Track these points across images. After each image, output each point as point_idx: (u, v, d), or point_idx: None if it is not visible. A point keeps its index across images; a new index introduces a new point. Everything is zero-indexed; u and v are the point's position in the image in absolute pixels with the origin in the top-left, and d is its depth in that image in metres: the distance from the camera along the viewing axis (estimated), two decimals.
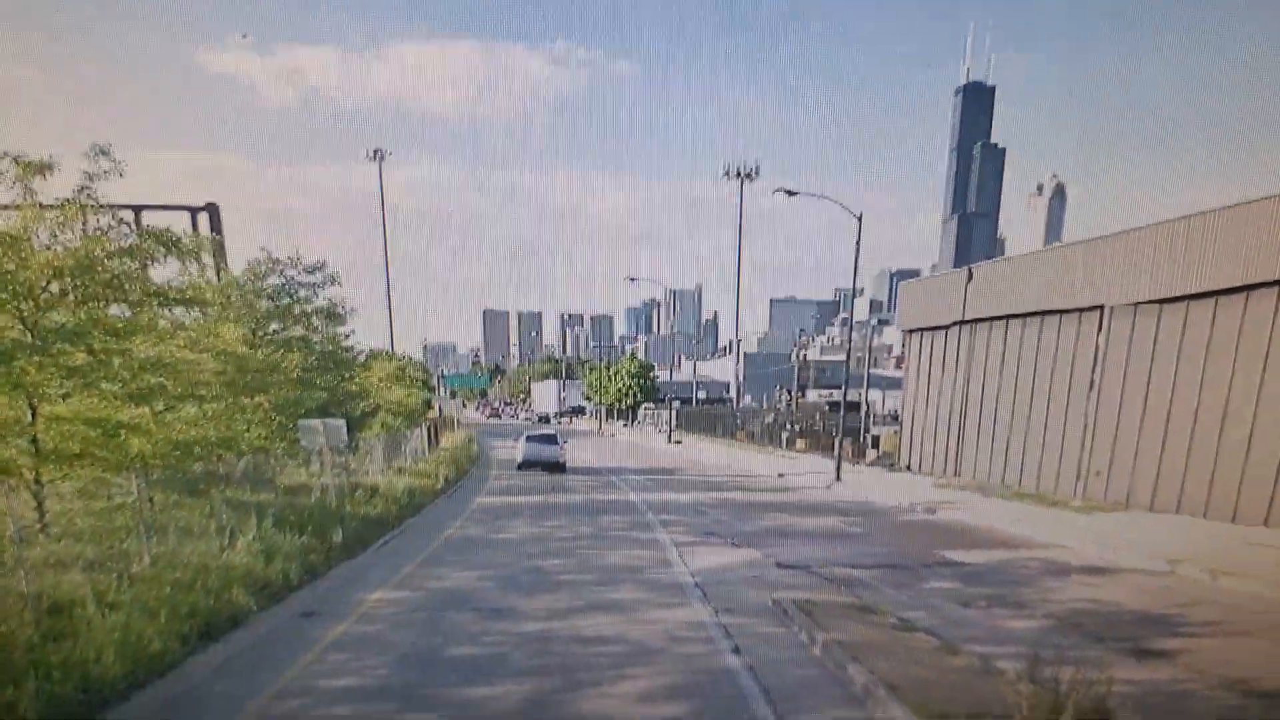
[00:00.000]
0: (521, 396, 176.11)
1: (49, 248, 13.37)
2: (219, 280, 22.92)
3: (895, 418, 49.15)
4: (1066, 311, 27.59)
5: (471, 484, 34.38)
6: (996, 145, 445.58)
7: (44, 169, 13.03)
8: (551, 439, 41.02)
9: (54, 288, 13.31)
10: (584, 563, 16.77)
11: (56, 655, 8.29)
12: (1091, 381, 26.58)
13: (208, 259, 19.39)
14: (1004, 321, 31.00)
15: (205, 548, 13.05)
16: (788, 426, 55.41)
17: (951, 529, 21.97)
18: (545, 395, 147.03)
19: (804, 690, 8.86)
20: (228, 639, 10.71)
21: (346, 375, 31.30)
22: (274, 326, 26.47)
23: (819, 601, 12.58)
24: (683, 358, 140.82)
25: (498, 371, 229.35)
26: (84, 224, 13.83)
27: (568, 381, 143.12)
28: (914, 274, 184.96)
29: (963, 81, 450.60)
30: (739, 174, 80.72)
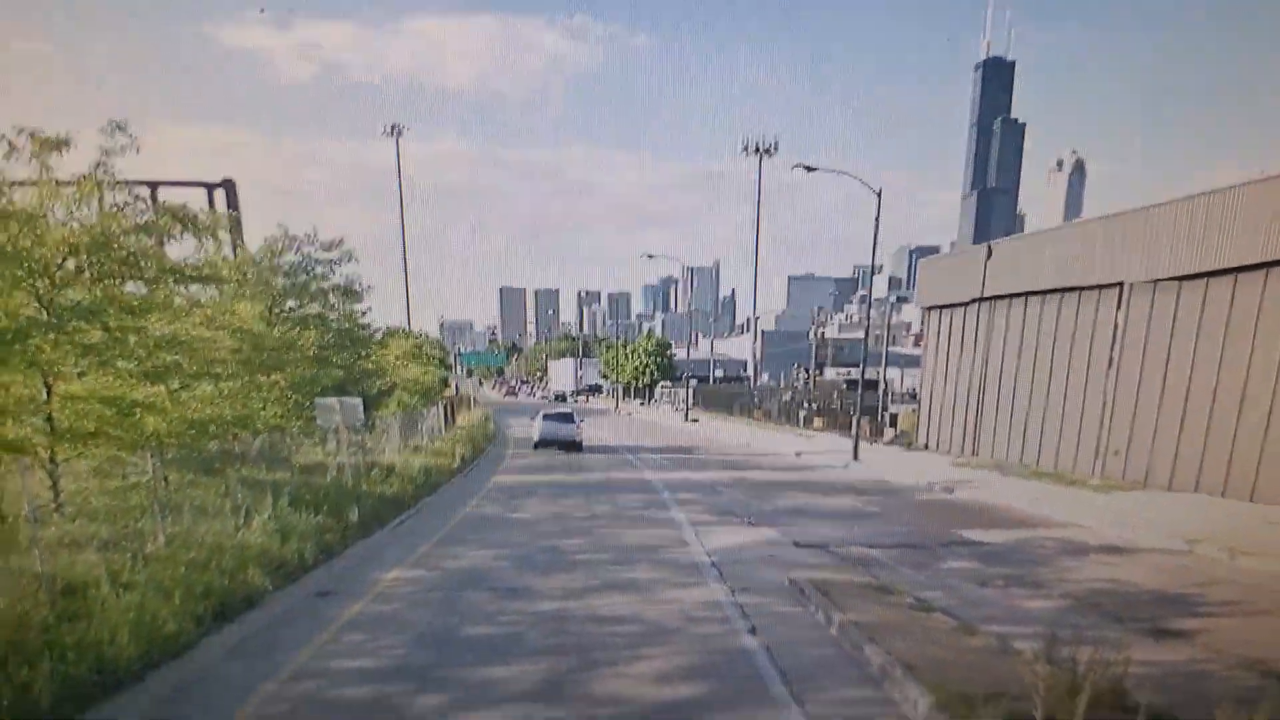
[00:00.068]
0: (538, 374, 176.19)
1: (65, 224, 13.34)
2: (235, 257, 22.87)
3: (913, 396, 49.04)
4: (1086, 288, 27.40)
5: (488, 462, 34.44)
6: (1016, 121, 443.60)
7: (60, 145, 12.96)
8: (568, 417, 41.04)
9: (70, 265, 13.30)
10: (600, 542, 16.74)
11: (71, 636, 8.28)
12: (1110, 359, 26.41)
13: (224, 235, 19.34)
14: (1023, 298, 30.79)
15: (220, 527, 13.08)
16: (805, 405, 55.34)
17: (969, 508, 21.90)
18: (562, 373, 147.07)
19: (821, 670, 8.82)
20: (243, 619, 10.70)
21: (363, 353, 31.34)
22: (290, 304, 26.47)
23: (836, 581, 12.56)
24: (700, 335, 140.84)
25: (514, 349, 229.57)
26: (100, 200, 13.78)
27: (584, 360, 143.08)
28: (933, 251, 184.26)
29: (983, 56, 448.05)
30: (758, 150, 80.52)
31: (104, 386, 13.36)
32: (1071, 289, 28.07)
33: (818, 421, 51.70)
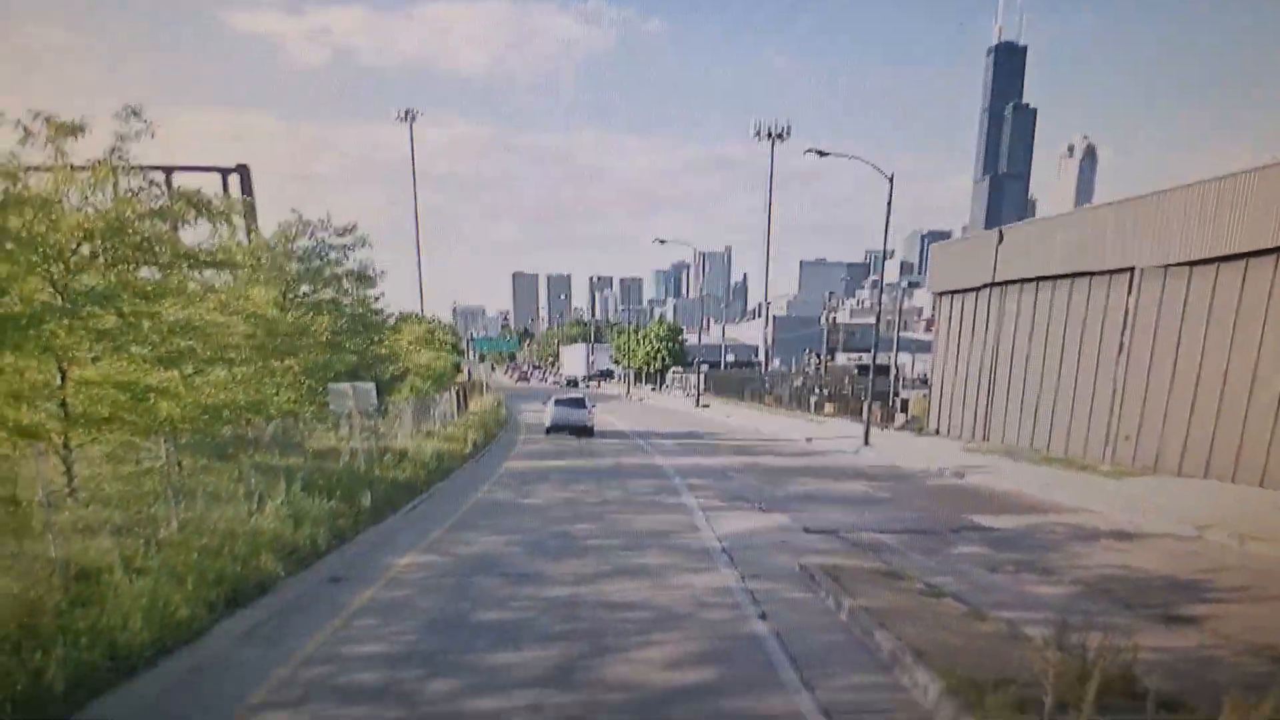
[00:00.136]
0: (550, 360, 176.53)
1: (80, 210, 13.38)
2: (249, 242, 22.94)
3: (924, 381, 49.11)
4: (1096, 274, 27.42)
5: (500, 448, 34.51)
6: (1028, 106, 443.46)
7: (75, 130, 12.97)
8: (579, 403, 41.07)
9: (84, 250, 13.33)
10: (611, 527, 16.76)
11: (84, 621, 8.35)
12: (1121, 344, 26.43)
13: (238, 221, 19.35)
14: (1034, 283, 30.84)
15: (233, 512, 13.16)
16: (816, 390, 55.32)
17: (980, 493, 21.94)
18: (573, 359, 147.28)
19: (831, 656, 8.85)
20: (255, 605, 10.79)
21: (376, 338, 31.43)
22: (304, 289, 26.54)
23: (846, 567, 12.59)
24: (711, 321, 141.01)
25: (526, 335, 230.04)
26: (115, 185, 13.82)
27: (596, 345, 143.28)
28: (945, 235, 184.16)
29: (994, 41, 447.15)
30: (769, 135, 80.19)
31: (118, 372, 13.42)
32: (1082, 274, 28.08)
33: (829, 407, 51.70)
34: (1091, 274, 27.68)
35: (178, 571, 10.13)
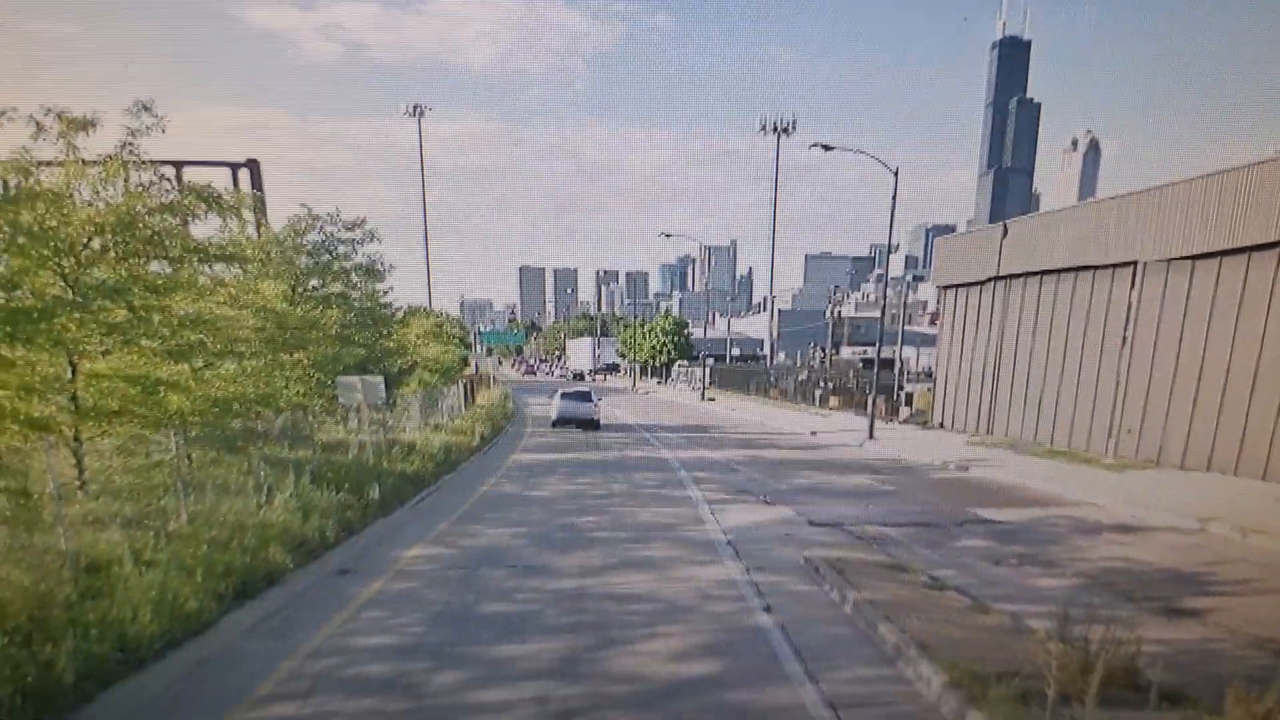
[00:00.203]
0: (557, 353, 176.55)
1: (91, 204, 13.42)
2: (259, 236, 23.00)
3: (929, 375, 49.06)
4: (1100, 267, 27.48)
5: (507, 441, 34.59)
6: (1032, 100, 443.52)
7: (87, 125, 13.01)
8: (586, 396, 41.19)
9: (95, 244, 13.33)
10: (617, 520, 16.83)
11: (94, 613, 8.39)
12: (1124, 338, 26.49)
13: (248, 215, 19.41)
14: (1038, 277, 30.90)
15: (243, 505, 13.24)
16: (821, 384, 55.32)
17: (983, 487, 21.95)
18: (580, 352, 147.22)
19: (835, 649, 8.91)
20: (263, 597, 10.84)
21: (385, 332, 31.38)
22: (313, 283, 26.50)
23: (851, 560, 12.64)
24: (717, 314, 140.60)
25: (533, 328, 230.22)
26: (125, 180, 13.86)
27: (602, 339, 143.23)
28: (950, 229, 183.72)
29: (999, 36, 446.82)
30: (775, 129, 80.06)
31: (128, 365, 13.50)
32: (1086, 268, 28.15)
33: (834, 400, 51.75)
34: (1095, 268, 27.73)
35: (187, 564, 10.18)
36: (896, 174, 32.58)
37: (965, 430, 35.51)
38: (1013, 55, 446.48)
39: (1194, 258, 23.65)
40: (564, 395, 41.02)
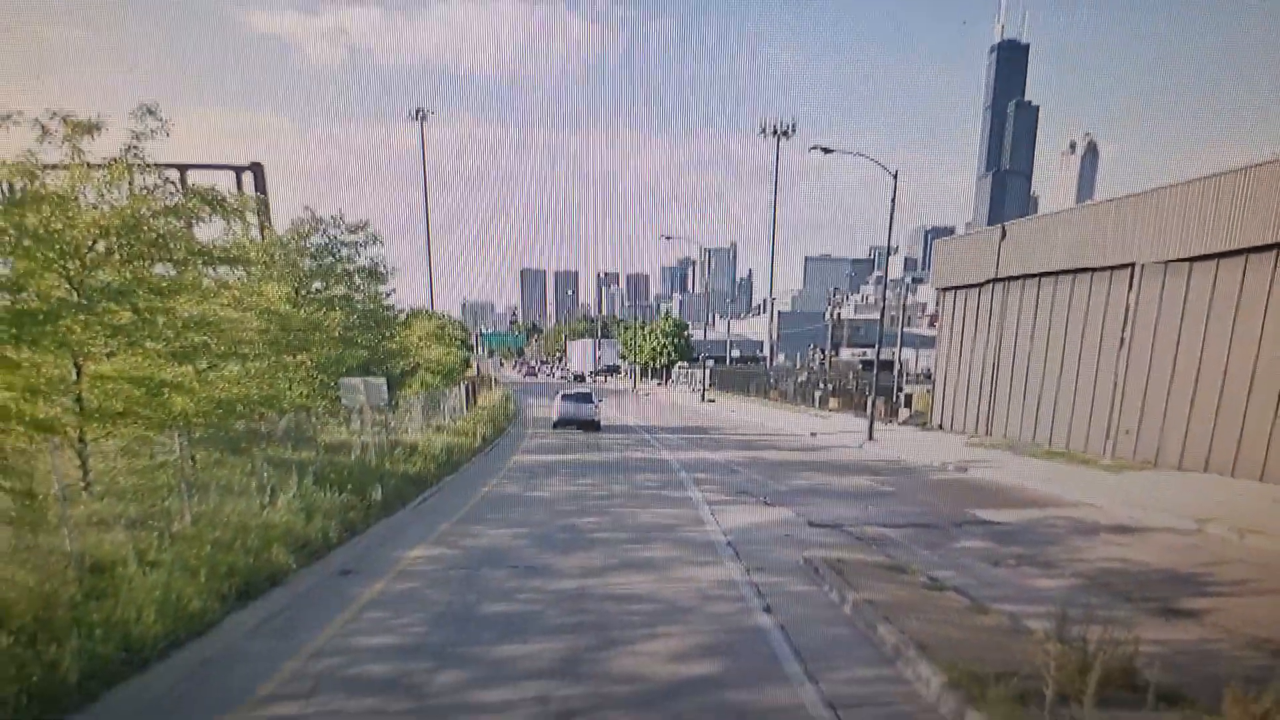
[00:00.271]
0: (557, 355, 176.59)
1: (96, 207, 13.47)
2: (263, 239, 23.07)
3: (928, 376, 49.17)
4: (1098, 269, 27.60)
5: (508, 442, 34.59)
6: (1030, 103, 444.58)
7: (92, 129, 13.06)
8: (586, 398, 41.22)
9: (100, 247, 13.39)
10: (618, 521, 16.85)
11: (98, 613, 8.45)
12: (1122, 340, 26.59)
13: (252, 218, 19.45)
14: (1036, 279, 31.03)
15: (246, 506, 13.27)
16: (821, 385, 55.41)
17: (982, 488, 22.01)
18: (581, 354, 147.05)
19: (835, 649, 8.95)
20: (267, 597, 10.88)
21: (387, 334, 31.46)
22: (317, 285, 26.59)
23: (850, 560, 12.69)
24: (717, 316, 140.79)
25: (534, 330, 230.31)
26: (130, 183, 13.91)
27: (603, 340, 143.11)
28: (949, 232, 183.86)
29: (997, 39, 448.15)
30: (775, 132, 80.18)
31: (133, 367, 13.51)
32: (1084, 270, 28.26)
33: (833, 402, 51.84)
34: (1093, 270, 27.83)
35: (190, 565, 10.23)
36: (896, 176, 32.67)
37: (964, 431, 35.58)
38: (1011, 58, 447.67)
39: (1191, 260, 23.74)
40: (565, 397, 41.09)
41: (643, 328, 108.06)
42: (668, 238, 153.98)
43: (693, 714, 7.33)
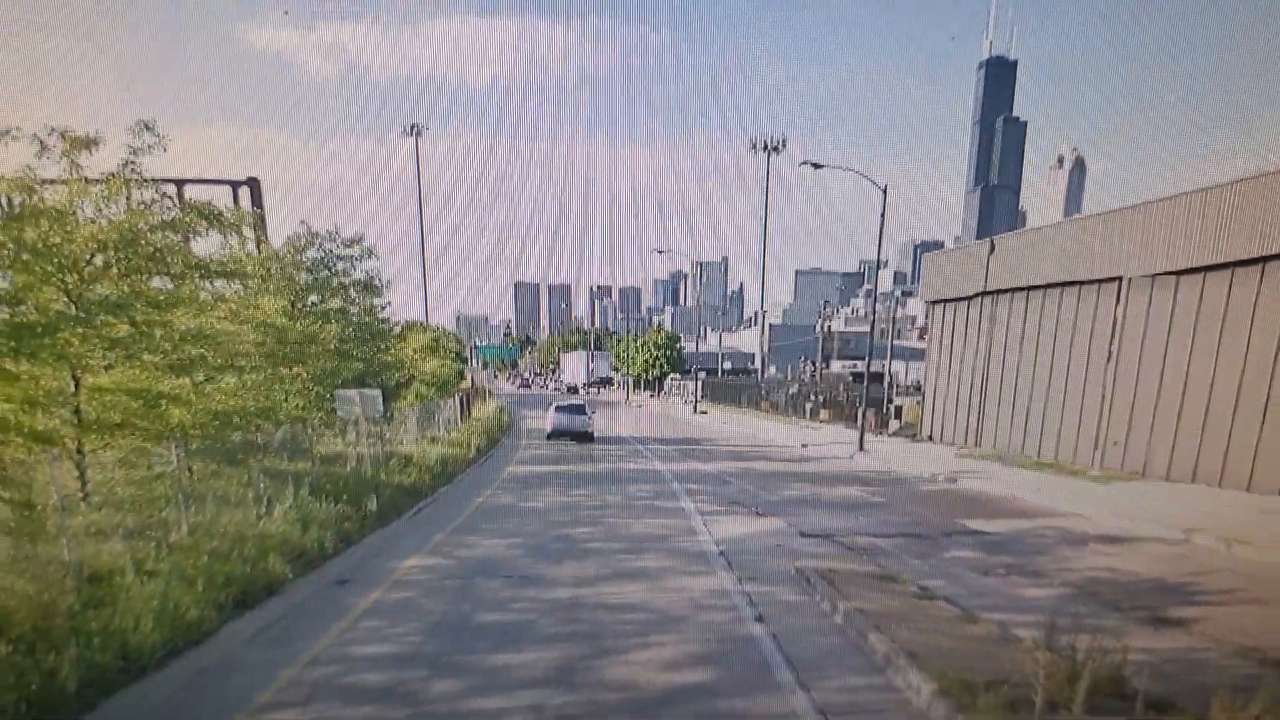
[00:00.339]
0: (551, 367, 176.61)
1: (94, 221, 13.56)
2: (259, 253, 23.17)
3: (918, 388, 49.36)
4: (1085, 283, 27.80)
5: (502, 453, 34.63)
6: (1018, 119, 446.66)
7: (89, 144, 13.16)
8: (580, 409, 41.29)
9: (98, 261, 13.46)
10: (611, 531, 16.92)
11: (96, 623, 8.50)
12: (1110, 352, 26.75)
13: (249, 232, 19.57)
14: (1025, 293, 31.21)
15: (243, 516, 13.33)
16: (811, 397, 55.44)
17: (972, 498, 22.11)
18: (574, 366, 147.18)
19: (826, 658, 8.99)
20: (263, 607, 10.92)
21: (382, 346, 31.48)
22: (312, 299, 26.66)
23: (841, 570, 12.73)
24: (708, 329, 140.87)
25: (528, 343, 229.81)
26: (128, 198, 14.01)
27: (596, 353, 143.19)
28: (938, 245, 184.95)
29: (985, 56, 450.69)
30: (766, 147, 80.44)
31: (130, 379, 13.58)
32: (1072, 283, 28.45)
33: (824, 413, 51.91)
34: (1081, 283, 28.02)
35: (188, 574, 10.28)
36: (885, 191, 32.92)
37: (954, 443, 35.69)
38: (999, 74, 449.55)
39: (1178, 273, 23.92)
40: (558, 408, 41.18)
41: (635, 340, 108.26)
42: (660, 251, 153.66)
43: None
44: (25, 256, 12.01)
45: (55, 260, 12.48)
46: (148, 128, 13.70)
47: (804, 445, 38.08)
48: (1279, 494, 20.35)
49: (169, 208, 14.94)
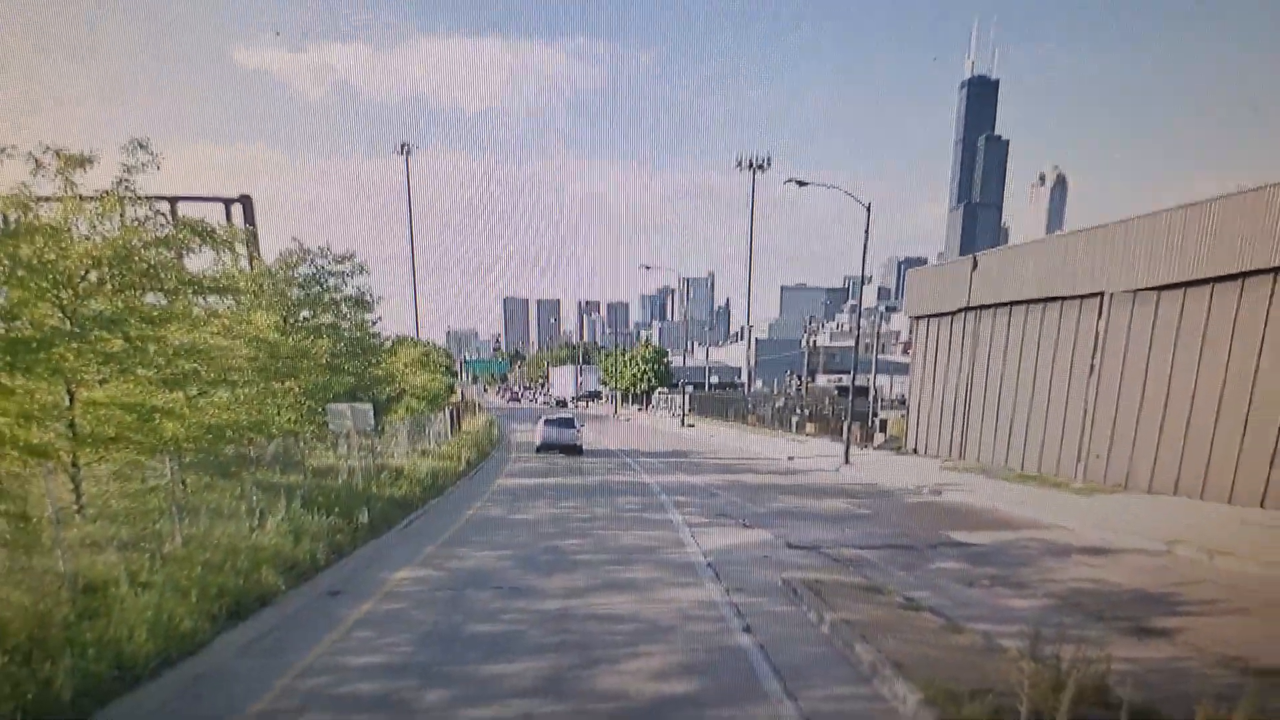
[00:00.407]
0: (540, 381, 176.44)
1: (88, 238, 13.66)
2: (252, 269, 23.28)
3: (903, 402, 49.51)
4: (1068, 298, 27.95)
5: (492, 466, 34.65)
6: (1000, 137, 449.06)
7: (84, 162, 13.29)
8: (569, 423, 41.38)
9: (92, 277, 13.56)
10: (600, 543, 16.98)
11: (91, 633, 8.57)
12: (1092, 366, 26.92)
13: (241, 249, 19.68)
14: (1007, 308, 31.34)
15: (235, 529, 13.40)
16: (798, 411, 55.59)
17: (957, 510, 22.22)
18: (563, 380, 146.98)
19: (813, 667, 9.07)
20: (256, 617, 10.98)
21: (373, 361, 31.55)
22: (304, 314, 26.77)
23: (828, 581, 12.82)
24: (696, 343, 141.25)
25: (517, 357, 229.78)
26: (122, 215, 14.11)
27: (584, 367, 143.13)
28: (921, 262, 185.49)
29: (967, 75, 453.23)
30: (751, 165, 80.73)
31: (124, 393, 13.71)
32: (1054, 299, 28.61)
33: (810, 427, 52.03)
34: (1063, 299, 28.19)
35: (181, 585, 10.34)
36: (869, 209, 33.10)
37: (938, 455, 35.79)
38: (981, 94, 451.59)
39: (1159, 289, 24.11)
40: (548, 421, 41.24)
41: (624, 354, 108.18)
42: (647, 267, 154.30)
43: None
44: (21, 272, 12.15)
45: (50, 276, 12.60)
46: (141, 146, 13.85)
47: (790, 458, 38.14)
48: (1260, 506, 20.50)
49: (162, 224, 15.07)
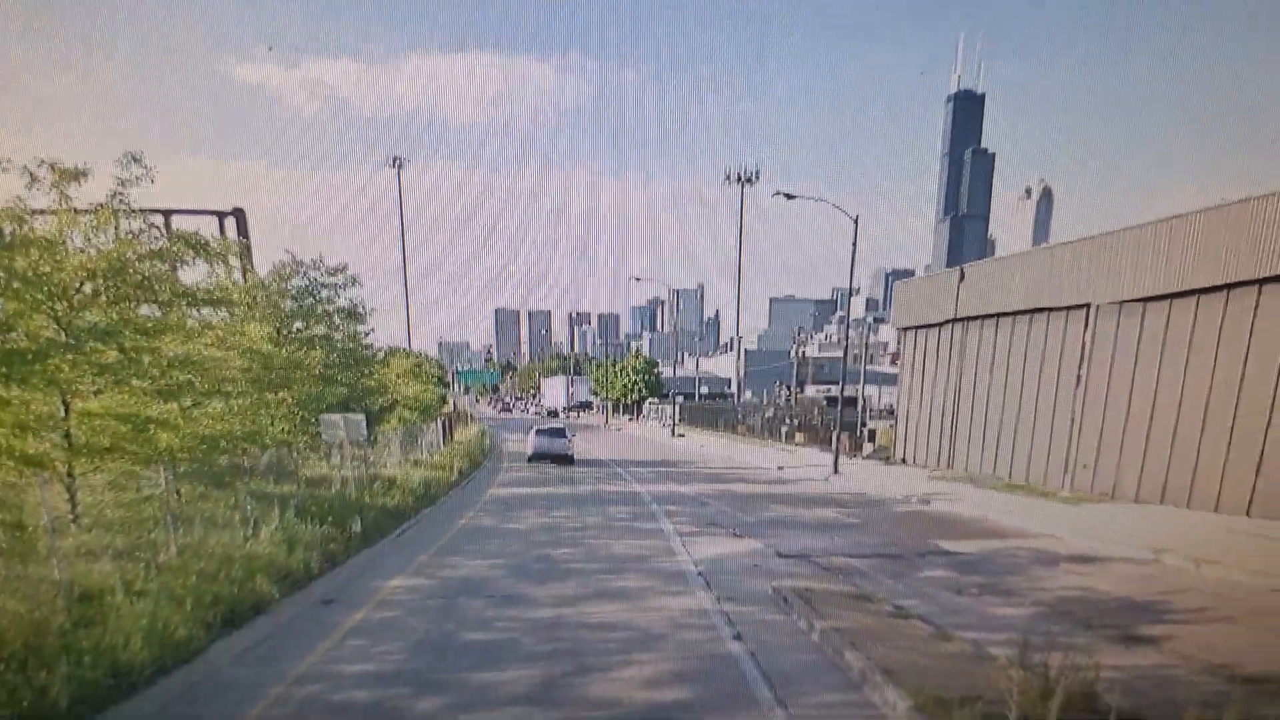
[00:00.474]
0: (532, 392, 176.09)
1: (83, 251, 13.77)
2: (245, 281, 23.33)
3: (891, 412, 49.58)
4: (1054, 309, 28.10)
5: (484, 475, 34.64)
6: (986, 150, 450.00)
7: (79, 175, 13.39)
8: (560, 433, 41.37)
9: (87, 289, 13.65)
10: (591, 552, 17.04)
11: (87, 641, 8.60)
12: (1078, 377, 27.06)
13: (234, 261, 19.68)
14: (994, 319, 31.49)
15: (230, 538, 13.41)
16: (787, 421, 55.76)
17: (945, 519, 22.29)
18: (554, 391, 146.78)
19: (803, 675, 9.11)
20: (250, 626, 11.01)
21: (366, 372, 31.60)
22: (297, 325, 26.84)
23: (818, 590, 12.86)
24: (686, 354, 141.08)
25: (509, 368, 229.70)
26: (116, 228, 14.19)
27: (575, 377, 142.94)
28: (909, 274, 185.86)
29: (953, 89, 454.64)
30: (739, 178, 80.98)
31: (119, 404, 13.78)
32: (1041, 310, 28.76)
33: (799, 437, 52.18)
34: (1049, 310, 28.33)
35: (176, 594, 10.37)
36: (856, 221, 33.31)
37: (927, 465, 35.86)
38: (967, 107, 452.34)
39: (1145, 300, 24.25)
40: (539, 432, 41.24)
41: (614, 365, 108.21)
42: (637, 279, 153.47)
43: None
44: (16, 285, 12.21)
45: (45, 288, 12.67)
46: (135, 160, 13.94)
47: (780, 468, 38.23)
48: (1246, 514, 20.63)
49: (156, 237, 15.15)
